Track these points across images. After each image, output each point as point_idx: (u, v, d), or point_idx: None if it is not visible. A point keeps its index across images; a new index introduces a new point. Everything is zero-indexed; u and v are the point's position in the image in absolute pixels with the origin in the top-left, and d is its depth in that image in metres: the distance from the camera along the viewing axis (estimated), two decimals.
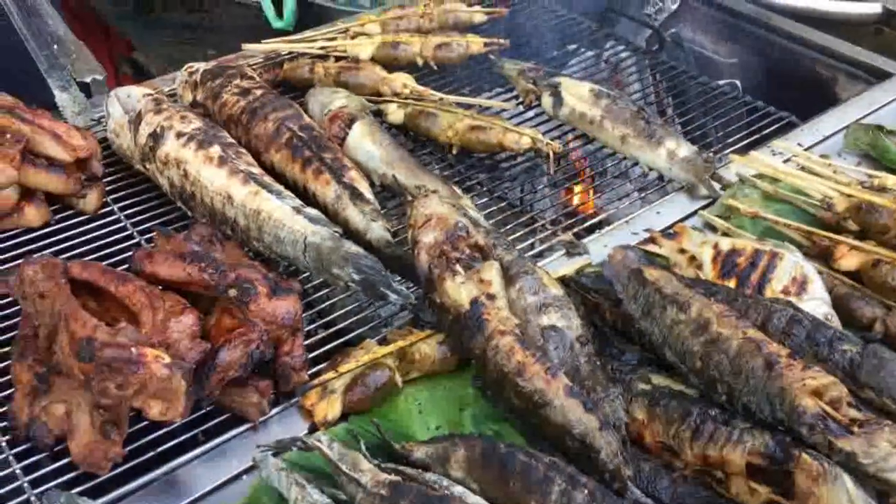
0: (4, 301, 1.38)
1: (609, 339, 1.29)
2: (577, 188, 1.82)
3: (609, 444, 1.09)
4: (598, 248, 1.54)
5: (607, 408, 1.15)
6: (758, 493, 1.04)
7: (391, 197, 1.66)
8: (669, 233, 1.51)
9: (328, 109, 1.71)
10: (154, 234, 1.52)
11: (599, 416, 1.11)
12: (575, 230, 1.60)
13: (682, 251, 1.44)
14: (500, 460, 1.06)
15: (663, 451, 1.11)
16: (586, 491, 1.01)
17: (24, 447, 1.17)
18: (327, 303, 1.46)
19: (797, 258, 1.34)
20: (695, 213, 1.62)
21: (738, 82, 2.16)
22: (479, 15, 2.15)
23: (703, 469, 1.08)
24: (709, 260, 1.39)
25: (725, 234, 1.51)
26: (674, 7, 2.28)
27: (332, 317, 1.44)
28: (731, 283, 1.34)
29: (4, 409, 1.21)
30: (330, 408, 1.22)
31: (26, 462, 1.16)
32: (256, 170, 1.49)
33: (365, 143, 1.65)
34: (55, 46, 1.71)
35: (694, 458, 1.08)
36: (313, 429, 1.23)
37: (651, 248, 1.49)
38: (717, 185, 1.65)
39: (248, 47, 2.03)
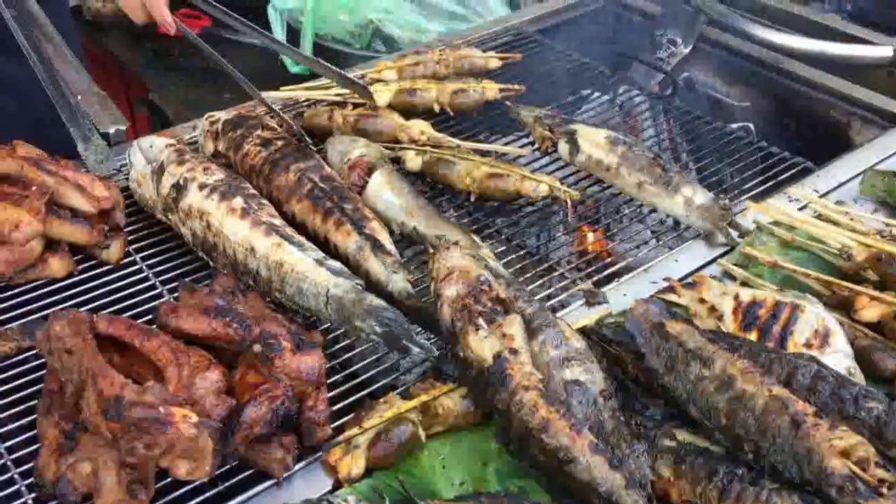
0: (29, 353, 1.39)
1: (632, 393, 1.29)
2: (595, 235, 1.83)
3: (635, 502, 1.09)
4: (618, 296, 1.55)
5: (633, 465, 1.15)
6: None
7: (410, 245, 1.67)
8: (688, 282, 1.51)
9: (347, 158, 1.73)
10: (176, 284, 1.54)
11: (625, 474, 1.11)
12: (594, 278, 1.61)
13: (702, 301, 1.45)
14: None
15: None
16: None
17: None
18: (349, 353, 1.46)
19: (818, 310, 1.35)
20: (713, 260, 1.63)
21: (751, 125, 2.17)
22: (493, 60, 2.17)
23: None
24: (729, 311, 1.39)
25: (745, 284, 1.52)
26: (686, 51, 2.31)
27: (353, 368, 1.44)
28: (753, 335, 1.34)
29: (30, 465, 1.21)
30: (354, 463, 1.22)
31: None
32: (279, 221, 1.51)
33: (384, 192, 1.67)
34: (78, 97, 1.73)
35: None
36: (337, 484, 1.23)
37: (670, 297, 1.49)
38: (734, 233, 1.66)
39: (267, 95, 2.05)
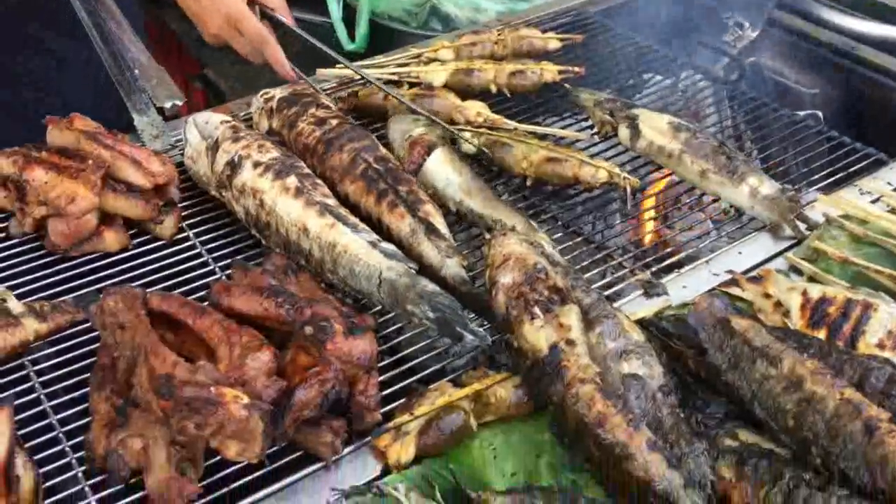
0: (82, 326, 1.40)
1: (692, 390, 1.24)
2: (654, 224, 1.77)
3: (694, 502, 1.05)
4: (678, 288, 1.50)
5: (692, 464, 1.11)
6: None
7: (465, 229, 1.64)
8: (753, 276, 1.46)
9: (409, 135, 1.71)
10: (229, 261, 1.53)
11: (684, 473, 1.07)
12: (652, 269, 1.56)
13: (768, 296, 1.39)
14: None
15: None
16: None
17: (99, 479, 1.17)
18: (398, 338, 1.43)
19: (892, 309, 1.28)
20: (778, 254, 1.56)
21: (820, 114, 2.08)
22: (553, 42, 2.12)
23: None
24: (797, 307, 1.33)
25: (812, 279, 1.46)
26: (753, 35, 2.22)
27: (403, 353, 1.41)
28: (821, 334, 1.28)
29: (82, 438, 1.22)
30: (403, 450, 1.20)
31: (101, 494, 1.16)
32: (332, 202, 1.49)
33: (444, 168, 1.65)
34: (136, 71, 1.73)
35: None
36: (386, 470, 1.21)
37: (733, 290, 1.44)
38: (802, 226, 1.60)
39: (322, 72, 2.03)
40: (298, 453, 1.22)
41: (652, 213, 1.81)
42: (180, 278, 1.52)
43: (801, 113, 2.01)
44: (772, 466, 1.07)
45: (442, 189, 1.64)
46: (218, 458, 1.17)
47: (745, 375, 1.16)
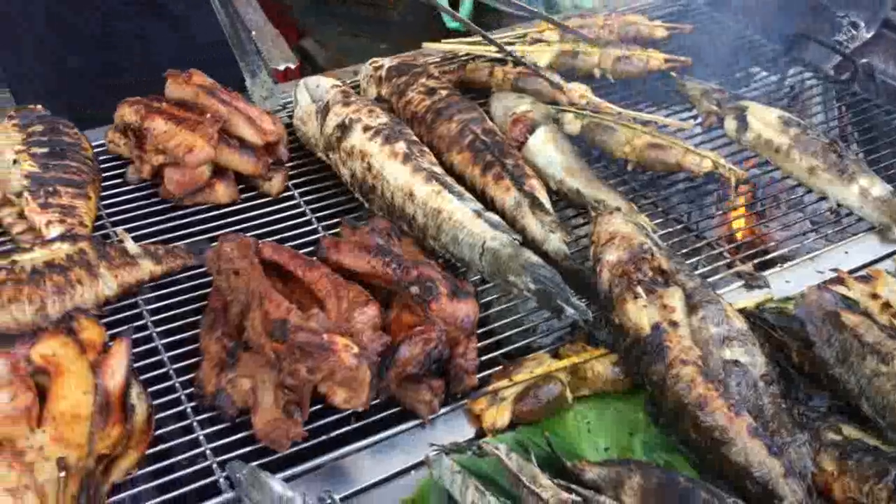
0: (193, 272, 1.45)
1: (795, 382, 1.23)
2: (754, 219, 1.75)
3: (794, 492, 1.04)
4: (780, 282, 1.48)
5: (793, 454, 1.10)
6: None
7: (566, 207, 1.64)
8: (861, 275, 1.43)
9: (512, 112, 1.72)
10: (331, 221, 1.57)
11: (785, 462, 1.07)
12: (754, 261, 1.54)
13: (875, 296, 1.36)
14: (679, 495, 1.03)
15: None
16: None
17: (207, 416, 1.22)
18: (487, 311, 1.44)
19: None
20: (887, 256, 1.53)
21: None
22: (660, 30, 2.10)
23: None
24: None
25: None
26: (868, 35, 2.16)
27: (490, 326, 1.42)
28: None
29: (190, 376, 1.27)
30: (499, 415, 1.22)
31: (210, 430, 1.20)
32: (439, 169, 1.51)
33: (547, 148, 1.65)
34: (253, 33, 1.77)
35: None
36: (479, 433, 1.23)
37: (839, 289, 1.41)
38: None
39: (428, 46, 2.05)
40: (392, 410, 1.25)
41: (753, 207, 1.78)
42: (285, 234, 1.56)
43: None
44: (877, 462, 1.05)
45: (543, 168, 1.64)
46: (317, 406, 1.20)
47: (853, 370, 1.14)
